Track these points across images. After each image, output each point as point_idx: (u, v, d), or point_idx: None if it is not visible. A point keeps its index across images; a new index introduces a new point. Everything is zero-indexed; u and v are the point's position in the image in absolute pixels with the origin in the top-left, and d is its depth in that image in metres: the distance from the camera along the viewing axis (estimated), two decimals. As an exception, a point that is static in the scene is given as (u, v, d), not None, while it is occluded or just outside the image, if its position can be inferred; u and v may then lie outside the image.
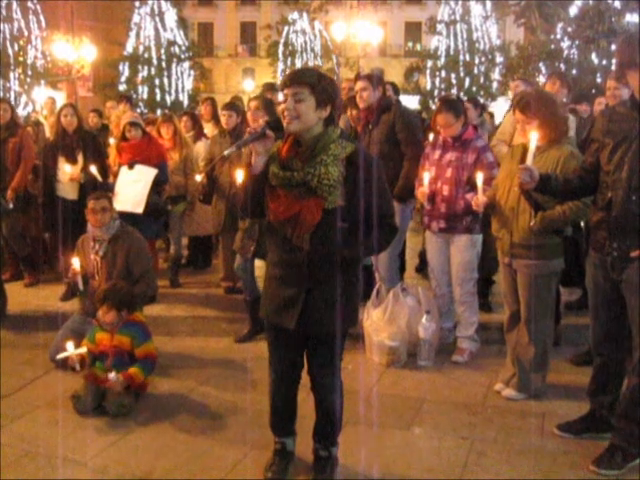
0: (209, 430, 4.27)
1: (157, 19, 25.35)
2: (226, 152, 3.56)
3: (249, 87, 40.13)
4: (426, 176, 5.25)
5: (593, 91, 12.85)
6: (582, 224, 4.59)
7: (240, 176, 4.32)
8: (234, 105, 6.90)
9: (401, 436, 4.19)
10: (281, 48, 32.69)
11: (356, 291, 3.48)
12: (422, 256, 7.88)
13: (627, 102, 3.80)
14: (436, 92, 27.38)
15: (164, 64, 25.35)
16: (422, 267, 7.85)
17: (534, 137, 3.94)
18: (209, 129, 8.74)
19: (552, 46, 15.26)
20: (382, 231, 3.40)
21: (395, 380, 5.05)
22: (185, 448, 4.04)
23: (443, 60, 28.07)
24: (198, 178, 7.02)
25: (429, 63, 28.88)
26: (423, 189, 5.27)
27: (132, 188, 6.66)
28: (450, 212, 5.22)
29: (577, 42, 14.85)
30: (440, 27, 28.33)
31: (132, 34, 25.64)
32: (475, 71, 27.91)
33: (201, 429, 4.28)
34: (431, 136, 7.00)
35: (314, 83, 3.23)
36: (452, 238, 5.31)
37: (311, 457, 3.70)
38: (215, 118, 8.94)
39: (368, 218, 3.29)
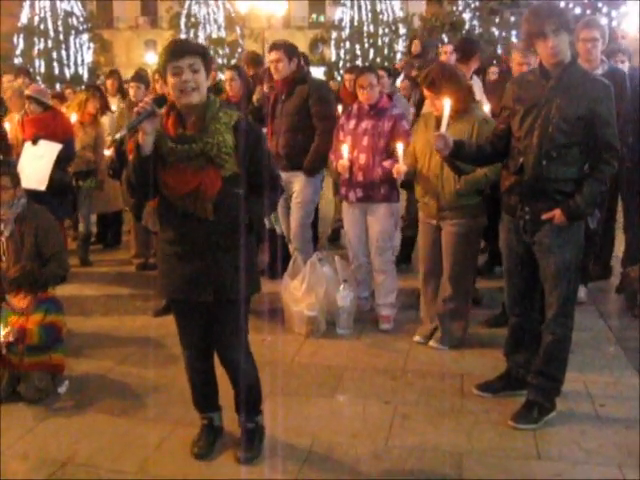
0: (131, 409, 4.19)
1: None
2: (118, 135, 3.49)
3: (151, 60, 39.12)
4: (345, 148, 5.26)
5: (494, 62, 13.18)
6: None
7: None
8: (141, 77, 6.76)
9: (325, 404, 4.23)
10: (183, 20, 32.05)
11: (256, 255, 3.60)
12: (334, 226, 7.98)
13: (536, 70, 3.90)
14: (341, 63, 27.47)
15: (61, 36, 24.38)
16: (335, 237, 7.94)
17: (447, 104, 4.00)
18: (115, 103, 8.53)
19: (454, 18, 15.53)
20: (273, 193, 3.51)
21: (315, 350, 5.08)
22: (107, 429, 3.95)
23: (347, 31, 28.18)
24: (107, 153, 6.84)
25: (333, 34, 28.94)
26: (343, 162, 5.26)
27: (36, 164, 6.41)
28: (367, 181, 5.25)
29: (478, 14, 15.16)
30: (344, -2, 28.41)
31: (26, 5, 24.50)
32: (379, 42, 28.15)
33: (122, 409, 4.19)
34: (339, 107, 7.05)
35: (203, 53, 3.26)
36: (370, 207, 5.35)
37: (239, 430, 3.68)
38: (121, 92, 8.74)
39: (262, 182, 3.39)
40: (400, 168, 4.82)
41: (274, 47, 5.90)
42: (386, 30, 27.95)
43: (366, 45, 27.91)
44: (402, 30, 28.04)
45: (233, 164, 3.26)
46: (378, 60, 27.07)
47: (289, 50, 5.86)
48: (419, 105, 6.84)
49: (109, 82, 9.19)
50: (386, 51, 28.04)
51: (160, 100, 3.26)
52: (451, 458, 3.59)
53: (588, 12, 11.33)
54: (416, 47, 10.06)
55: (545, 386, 3.94)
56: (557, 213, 3.72)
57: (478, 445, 3.71)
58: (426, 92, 4.71)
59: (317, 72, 24.74)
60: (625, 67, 5.96)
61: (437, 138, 3.94)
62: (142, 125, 3.18)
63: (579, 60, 4.80)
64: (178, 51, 3.20)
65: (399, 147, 4.84)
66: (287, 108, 5.87)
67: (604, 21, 8.45)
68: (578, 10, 11.58)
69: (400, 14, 28.85)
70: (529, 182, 3.78)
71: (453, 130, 4.08)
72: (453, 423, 3.95)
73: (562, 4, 11.02)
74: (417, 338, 5.11)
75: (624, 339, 5.18)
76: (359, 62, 26.26)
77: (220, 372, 3.65)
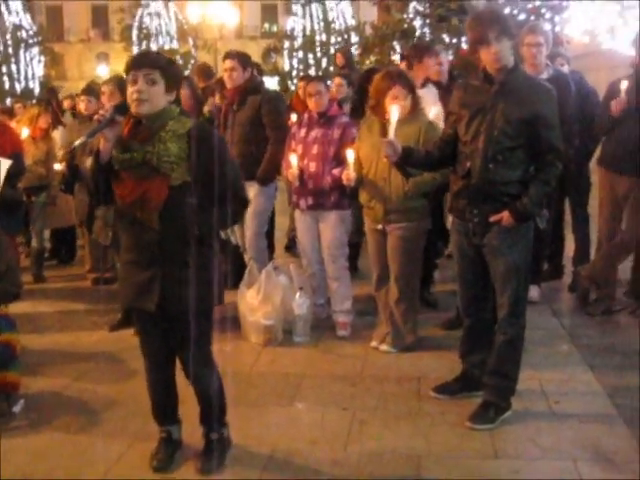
0: (88, 426, 4.14)
1: (0, 1, 23.93)
2: (76, 142, 3.48)
3: (103, 72, 38.78)
4: (293, 158, 5.30)
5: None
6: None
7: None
8: (92, 90, 6.71)
9: (284, 412, 4.24)
10: (135, 32, 31.83)
11: (214, 267, 3.48)
12: (290, 235, 7.99)
13: (480, 75, 3.97)
14: (294, 73, 27.53)
15: (11, 50, 24.00)
16: (291, 245, 7.95)
17: (395, 110, 4.06)
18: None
19: (405, 25, 15.72)
20: (234, 204, 3.41)
21: (273, 358, 5.08)
22: (65, 446, 3.90)
23: (300, 41, 28.25)
24: (57, 167, 6.79)
25: (286, 44, 28.99)
26: (292, 171, 5.30)
27: (-15, 181, 6.31)
28: (317, 188, 5.29)
29: (428, 21, 15.37)
30: (296, 8, 28.50)
31: (-27, 18, 24.14)
32: (332, 51, 28.25)
33: (80, 426, 4.14)
34: (293, 116, 7.09)
35: (165, 66, 3.27)
36: (321, 215, 5.39)
37: (200, 442, 3.66)
38: (59, 108, 8.79)
39: (218, 192, 3.30)
40: (350, 174, 4.87)
41: (228, 56, 5.94)
42: (338, 39, 28.09)
43: (319, 54, 28.02)
44: (354, 38, 28.19)
45: (183, 173, 3.24)
46: (331, 69, 27.18)
47: (243, 59, 5.91)
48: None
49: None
50: (339, 60, 28.18)
51: (121, 108, 3.28)
52: (409, 461, 3.62)
53: (532, 18, 11.56)
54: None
55: (500, 386, 4.00)
56: (505, 215, 3.79)
57: (436, 447, 3.75)
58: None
59: (270, 82, 24.76)
60: (565, 70, 6.14)
61: (386, 145, 3.98)
62: (103, 132, 3.24)
63: (524, 65, 4.91)
64: (137, 61, 3.29)
65: (349, 154, 4.88)
66: (239, 118, 5.88)
67: (548, 26, 8.64)
68: (523, 16, 11.81)
69: (352, 22, 29.04)
70: (476, 185, 3.85)
71: (400, 134, 4.12)
72: (411, 426, 3.98)
73: (507, 10, 11.25)
74: (374, 343, 5.14)
75: (577, 336, 5.30)
76: (312, 71, 26.36)
77: (184, 383, 3.62)
